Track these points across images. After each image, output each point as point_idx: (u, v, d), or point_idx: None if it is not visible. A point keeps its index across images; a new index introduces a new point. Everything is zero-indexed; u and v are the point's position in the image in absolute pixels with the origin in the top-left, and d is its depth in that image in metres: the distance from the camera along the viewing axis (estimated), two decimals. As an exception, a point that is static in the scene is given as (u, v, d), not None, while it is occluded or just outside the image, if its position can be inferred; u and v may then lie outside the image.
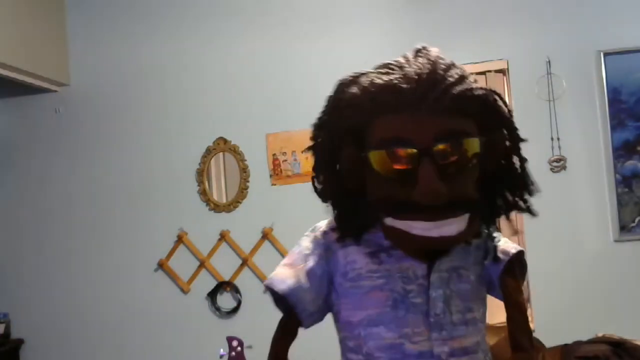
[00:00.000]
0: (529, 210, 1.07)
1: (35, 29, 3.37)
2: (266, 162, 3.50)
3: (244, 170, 3.52)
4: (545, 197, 3.69)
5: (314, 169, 1.10)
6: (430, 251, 1.03)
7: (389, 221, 0.99)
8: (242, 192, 3.52)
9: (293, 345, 1.15)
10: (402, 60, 1.01)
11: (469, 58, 3.36)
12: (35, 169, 3.65)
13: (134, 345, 3.54)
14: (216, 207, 3.53)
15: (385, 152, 0.96)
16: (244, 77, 3.53)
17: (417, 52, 1.01)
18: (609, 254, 3.29)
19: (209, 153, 3.54)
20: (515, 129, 1.06)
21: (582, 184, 3.31)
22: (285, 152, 3.44)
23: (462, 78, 0.98)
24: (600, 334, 2.93)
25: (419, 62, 0.98)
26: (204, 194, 3.54)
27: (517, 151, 1.07)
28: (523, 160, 1.07)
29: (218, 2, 3.58)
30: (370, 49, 3.36)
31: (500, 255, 1.09)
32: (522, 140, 1.07)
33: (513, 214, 1.08)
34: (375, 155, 0.97)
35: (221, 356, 2.57)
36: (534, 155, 3.69)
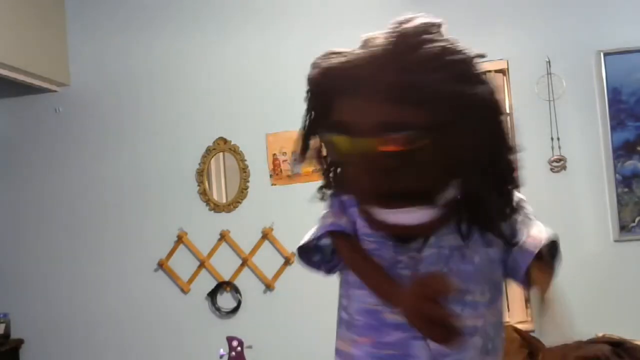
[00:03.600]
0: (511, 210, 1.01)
1: (35, 29, 3.37)
2: (266, 162, 3.50)
3: (244, 170, 3.52)
4: (545, 197, 3.71)
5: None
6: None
7: (365, 209, 1.00)
8: (242, 192, 3.52)
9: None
10: (376, 34, 0.97)
11: (469, 58, 3.36)
12: (35, 168, 3.65)
13: (134, 345, 3.54)
14: (216, 207, 3.53)
15: (332, 137, 0.96)
16: (244, 77, 3.53)
17: (397, 23, 0.96)
18: (609, 254, 3.29)
19: (209, 153, 3.54)
20: (494, 118, 0.96)
21: (582, 184, 3.31)
22: (285, 152, 3.44)
23: (432, 59, 0.89)
24: (600, 334, 2.93)
25: (386, 38, 0.93)
26: (204, 194, 3.54)
27: (496, 146, 0.97)
28: (505, 153, 0.98)
29: (218, 3, 3.58)
30: (370, 49, 3.36)
31: (528, 241, 1.03)
32: (505, 134, 0.98)
33: None
34: (325, 138, 0.99)
35: (221, 356, 2.57)
36: (534, 155, 3.70)
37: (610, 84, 3.27)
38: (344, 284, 1.11)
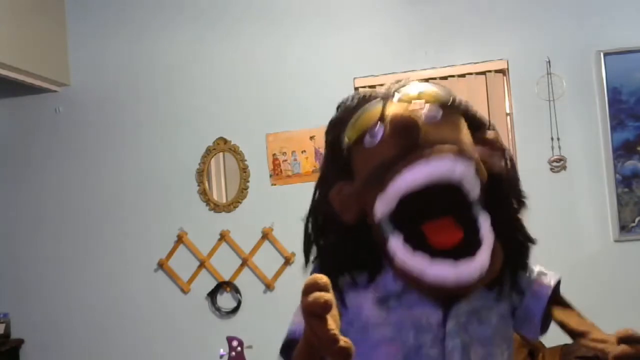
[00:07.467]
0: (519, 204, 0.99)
1: (35, 29, 3.37)
2: (266, 162, 3.50)
3: (244, 170, 3.52)
4: (545, 197, 3.69)
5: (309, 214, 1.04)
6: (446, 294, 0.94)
7: (401, 261, 0.89)
8: (242, 192, 3.52)
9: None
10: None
11: (469, 58, 3.36)
12: (35, 169, 3.65)
13: (134, 345, 3.53)
14: (216, 207, 3.53)
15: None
16: (244, 77, 3.53)
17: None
18: (609, 254, 3.29)
19: (209, 153, 3.54)
20: (509, 158, 0.99)
21: (582, 184, 3.31)
22: (285, 152, 3.44)
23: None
24: (600, 334, 2.92)
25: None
26: (204, 194, 3.54)
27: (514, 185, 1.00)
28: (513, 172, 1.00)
29: (218, 2, 3.58)
30: (370, 49, 3.36)
31: (537, 288, 1.02)
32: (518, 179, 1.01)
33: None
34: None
35: (221, 356, 2.57)
36: (534, 155, 3.69)
37: (610, 84, 3.27)
38: None
